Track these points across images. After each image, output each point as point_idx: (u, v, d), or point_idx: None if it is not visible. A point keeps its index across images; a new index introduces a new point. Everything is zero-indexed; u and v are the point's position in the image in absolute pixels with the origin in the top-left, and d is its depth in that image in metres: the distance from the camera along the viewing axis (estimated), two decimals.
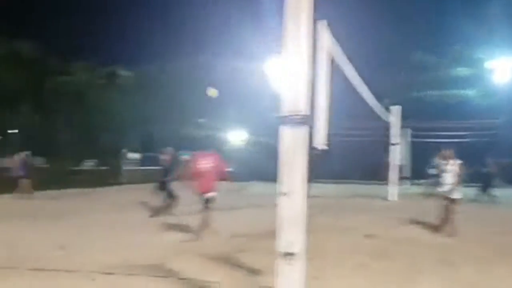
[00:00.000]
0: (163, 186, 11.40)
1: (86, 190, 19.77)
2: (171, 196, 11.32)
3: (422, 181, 25.41)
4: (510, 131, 27.09)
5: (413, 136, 26.61)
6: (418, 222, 10.70)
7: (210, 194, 8.13)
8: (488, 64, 26.98)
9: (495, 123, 26.43)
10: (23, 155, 17.12)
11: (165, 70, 32.53)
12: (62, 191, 18.80)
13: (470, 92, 28.65)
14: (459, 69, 28.93)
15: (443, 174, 9.23)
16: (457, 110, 27.87)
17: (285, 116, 4.11)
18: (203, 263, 6.47)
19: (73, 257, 6.72)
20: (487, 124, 26.51)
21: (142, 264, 6.23)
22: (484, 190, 16.41)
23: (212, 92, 12.73)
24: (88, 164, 33.53)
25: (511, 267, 6.33)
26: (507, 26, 25.89)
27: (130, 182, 27.40)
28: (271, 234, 6.24)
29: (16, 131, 28.61)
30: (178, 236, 8.59)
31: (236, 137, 32.49)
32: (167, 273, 5.81)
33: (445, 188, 9.13)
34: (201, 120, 32.04)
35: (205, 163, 8.18)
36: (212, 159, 8.30)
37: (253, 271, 5.98)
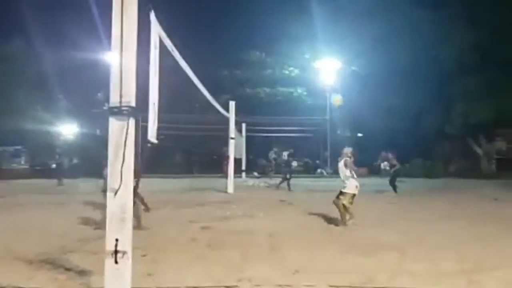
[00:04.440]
0: None
1: None
2: None
3: (255, 173, 27.04)
4: (335, 127, 30.18)
5: (247, 130, 27.85)
6: (253, 213, 11.23)
7: None
8: (315, 64, 29.44)
9: (322, 119, 29.11)
10: None
11: None
12: None
13: (299, 90, 30.96)
14: (289, 68, 31.01)
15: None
16: (287, 106, 30.01)
17: (113, 108, 3.91)
18: (24, 267, 5.87)
19: None
20: (315, 121, 29.10)
21: None
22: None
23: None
24: None
25: (335, 251, 6.92)
26: (330, 28, 28.50)
27: None
28: (102, 232, 5.95)
29: None
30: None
31: (68, 130, 30.51)
32: None
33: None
34: (32, 112, 29.31)
35: None
36: None
37: (82, 273, 5.61)
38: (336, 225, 9.38)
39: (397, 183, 16.92)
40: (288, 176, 18.40)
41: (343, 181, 9.47)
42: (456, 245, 7.31)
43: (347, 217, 9.33)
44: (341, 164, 9.61)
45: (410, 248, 7.08)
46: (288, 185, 18.14)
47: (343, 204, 9.29)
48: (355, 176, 9.52)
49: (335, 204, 9.44)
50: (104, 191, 16.41)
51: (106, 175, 14.51)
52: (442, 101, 27.94)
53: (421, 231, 8.66)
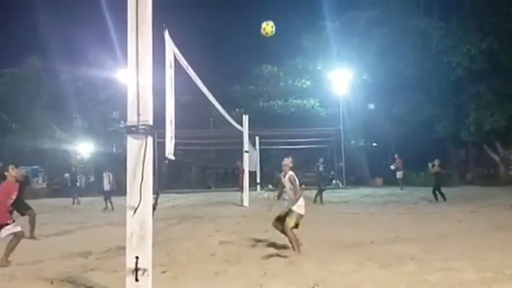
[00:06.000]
0: None
1: None
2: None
3: (270, 186, 27.03)
4: (348, 137, 30.08)
5: (261, 143, 27.96)
6: (270, 227, 11.21)
7: None
8: (328, 76, 29.52)
9: (336, 130, 29.03)
10: None
11: (2, 76, 29.67)
12: None
13: (312, 101, 30.99)
14: (302, 80, 31.10)
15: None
16: (300, 118, 30.06)
17: (131, 126, 4.01)
18: (45, 286, 5.95)
19: None
20: (328, 131, 29.05)
21: None
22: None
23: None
24: None
25: (353, 263, 6.90)
26: (341, 39, 28.62)
27: None
28: (121, 250, 6.02)
29: None
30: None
31: (85, 149, 30.87)
32: None
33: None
34: (49, 132, 29.82)
35: None
36: None
37: None
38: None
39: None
40: (322, 187, 17.80)
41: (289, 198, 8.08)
42: (474, 254, 7.24)
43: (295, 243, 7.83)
44: (286, 179, 8.13)
45: (428, 259, 7.03)
46: (321, 197, 17.47)
47: (291, 228, 7.80)
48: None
49: (285, 231, 7.85)
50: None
51: (106, 191, 14.42)
52: (455, 108, 27.81)
53: (438, 241, 8.59)
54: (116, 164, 18.50)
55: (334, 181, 29.30)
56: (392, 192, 21.78)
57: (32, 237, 9.97)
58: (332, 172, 30.25)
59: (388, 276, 6.14)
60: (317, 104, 31.23)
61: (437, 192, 16.60)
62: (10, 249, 7.43)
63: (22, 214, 10.20)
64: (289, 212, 7.91)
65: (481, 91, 26.29)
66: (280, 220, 8.04)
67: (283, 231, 7.95)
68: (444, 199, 16.42)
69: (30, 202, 10.95)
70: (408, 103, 27.89)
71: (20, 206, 9.80)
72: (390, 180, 26.06)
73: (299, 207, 7.95)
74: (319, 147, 28.78)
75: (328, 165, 25.12)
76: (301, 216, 7.95)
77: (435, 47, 27.82)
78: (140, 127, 3.96)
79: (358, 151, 31.16)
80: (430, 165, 17.40)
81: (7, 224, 7.51)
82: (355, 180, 30.94)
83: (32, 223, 10.24)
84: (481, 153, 30.71)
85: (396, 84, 27.64)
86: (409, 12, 28.08)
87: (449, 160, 30.15)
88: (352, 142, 30.70)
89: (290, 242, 7.89)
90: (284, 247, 8.34)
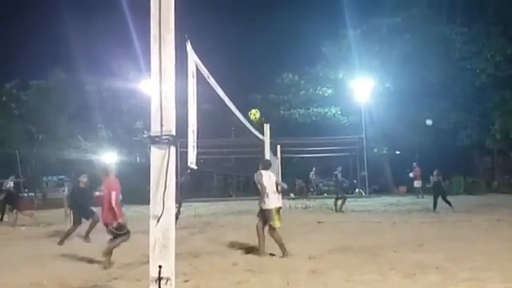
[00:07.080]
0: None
1: None
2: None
3: (292, 195, 26.97)
4: (371, 145, 29.82)
5: (282, 152, 27.89)
6: (292, 235, 11.16)
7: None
8: (349, 84, 29.42)
9: (358, 138, 28.84)
10: None
11: (29, 88, 30.46)
12: None
13: (333, 110, 30.88)
14: (323, 88, 31.04)
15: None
16: (322, 126, 29.96)
17: (154, 136, 4.06)
18: None
19: None
20: (351, 139, 28.87)
21: None
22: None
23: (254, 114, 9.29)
24: None
25: (377, 273, 6.82)
26: (362, 47, 28.51)
27: None
28: (145, 259, 6.08)
29: None
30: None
31: (109, 158, 31.26)
32: None
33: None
34: (74, 142, 30.41)
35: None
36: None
37: None
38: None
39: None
40: (340, 195, 17.72)
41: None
42: (500, 264, 7.07)
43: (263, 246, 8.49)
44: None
45: (453, 269, 6.90)
46: (338, 205, 17.38)
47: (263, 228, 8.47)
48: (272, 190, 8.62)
49: (271, 235, 8.43)
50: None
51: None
52: (480, 116, 27.37)
53: (463, 251, 8.41)
54: (140, 173, 18.64)
55: (357, 190, 29.06)
56: (416, 201, 21.50)
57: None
58: (354, 181, 29.98)
59: (412, 286, 6.05)
60: (339, 112, 31.11)
61: (444, 199, 16.18)
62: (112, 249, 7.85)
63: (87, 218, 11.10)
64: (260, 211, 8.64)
65: (506, 97, 25.84)
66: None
67: (272, 236, 8.46)
68: (435, 208, 16.11)
69: (57, 211, 11.18)
70: (432, 111, 27.57)
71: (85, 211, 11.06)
72: (413, 189, 25.73)
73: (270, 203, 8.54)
74: (342, 155, 28.60)
75: (345, 173, 24.98)
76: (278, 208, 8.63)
77: (458, 53, 27.49)
78: (163, 137, 3.99)
79: (381, 159, 30.86)
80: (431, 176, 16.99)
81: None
82: (378, 188, 30.63)
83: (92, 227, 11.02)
84: (507, 160, 30.09)
85: (419, 91, 27.35)
86: (431, 19, 27.84)
87: (474, 168, 29.61)
88: (375, 150, 30.42)
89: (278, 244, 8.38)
90: (306, 256, 8.31)
